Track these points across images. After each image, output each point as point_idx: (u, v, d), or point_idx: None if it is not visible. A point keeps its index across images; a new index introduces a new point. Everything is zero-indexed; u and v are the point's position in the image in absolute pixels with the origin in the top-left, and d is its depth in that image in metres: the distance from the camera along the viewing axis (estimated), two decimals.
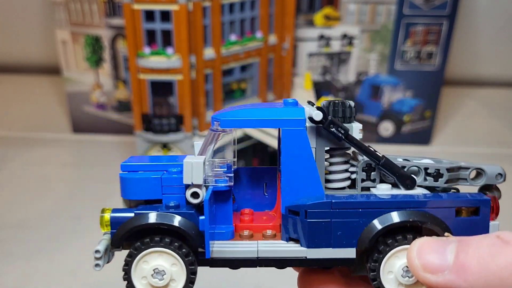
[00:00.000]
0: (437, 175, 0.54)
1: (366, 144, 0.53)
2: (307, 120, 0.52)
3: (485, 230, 0.52)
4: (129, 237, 0.51)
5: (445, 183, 0.54)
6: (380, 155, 0.53)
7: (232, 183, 0.53)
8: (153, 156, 0.55)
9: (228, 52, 1.26)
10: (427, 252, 0.45)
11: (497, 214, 0.53)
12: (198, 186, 0.51)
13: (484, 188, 0.55)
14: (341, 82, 1.68)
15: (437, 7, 1.55)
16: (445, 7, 1.55)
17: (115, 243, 0.52)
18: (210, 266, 0.53)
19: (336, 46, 1.63)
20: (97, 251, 0.51)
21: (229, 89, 1.38)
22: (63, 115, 1.87)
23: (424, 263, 0.45)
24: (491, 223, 0.53)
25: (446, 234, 0.49)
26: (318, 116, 0.51)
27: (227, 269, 0.53)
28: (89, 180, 1.54)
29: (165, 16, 1.14)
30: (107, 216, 0.53)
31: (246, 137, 1.28)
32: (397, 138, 1.71)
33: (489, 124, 1.88)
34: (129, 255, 0.51)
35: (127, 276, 0.51)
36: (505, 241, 0.42)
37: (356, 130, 0.53)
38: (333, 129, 0.51)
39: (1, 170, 1.58)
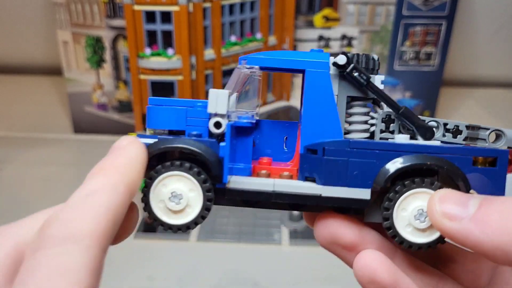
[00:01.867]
0: (456, 131, 0.54)
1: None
2: (331, 66, 0.53)
3: (501, 181, 0.52)
4: (151, 165, 0.52)
5: (463, 140, 0.54)
6: (400, 105, 0.54)
7: (255, 121, 0.55)
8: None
9: (228, 52, 1.27)
10: (450, 201, 0.45)
11: None
12: (222, 116, 0.51)
13: None
14: None
15: (436, 8, 1.56)
16: (443, 8, 1.55)
17: None
18: (226, 200, 0.53)
19: (335, 47, 1.64)
20: None
21: None
22: (64, 116, 1.88)
23: (444, 209, 0.45)
24: (509, 175, 0.52)
25: (471, 191, 0.49)
26: (341, 59, 0.52)
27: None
28: None
29: (166, 17, 1.15)
30: None
31: None
32: None
33: (487, 124, 1.88)
34: (149, 177, 0.51)
35: (146, 198, 0.51)
36: None
37: (378, 80, 0.54)
38: (355, 74, 0.52)
39: (2, 170, 1.59)
